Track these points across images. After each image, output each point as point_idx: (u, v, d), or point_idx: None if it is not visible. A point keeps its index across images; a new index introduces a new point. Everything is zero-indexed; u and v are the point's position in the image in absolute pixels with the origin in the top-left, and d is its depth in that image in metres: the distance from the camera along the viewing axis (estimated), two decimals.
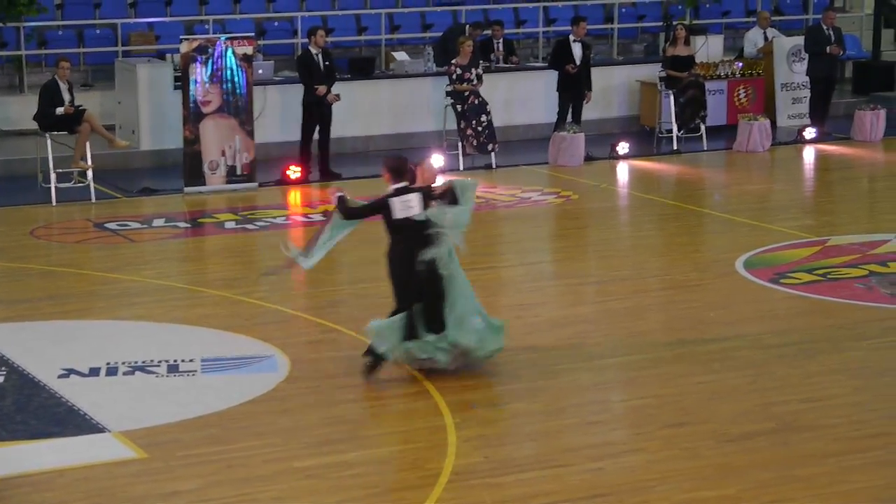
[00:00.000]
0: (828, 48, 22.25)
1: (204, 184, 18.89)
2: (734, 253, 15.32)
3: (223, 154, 18.98)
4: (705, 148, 21.66)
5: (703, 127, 21.73)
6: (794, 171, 21.05)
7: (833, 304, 13.49)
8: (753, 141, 21.37)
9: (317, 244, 11.74)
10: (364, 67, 22.06)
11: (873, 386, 11.30)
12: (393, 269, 11.46)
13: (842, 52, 22.87)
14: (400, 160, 11.59)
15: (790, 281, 14.27)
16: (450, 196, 11.42)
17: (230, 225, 17.19)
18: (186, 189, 18.83)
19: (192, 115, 18.79)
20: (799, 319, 13.18)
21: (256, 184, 19.10)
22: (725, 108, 22.90)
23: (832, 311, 13.29)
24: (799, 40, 23.14)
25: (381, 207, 11.41)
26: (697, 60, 22.41)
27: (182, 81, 18.90)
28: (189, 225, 17.22)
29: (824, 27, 22.56)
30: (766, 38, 23.85)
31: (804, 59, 22.80)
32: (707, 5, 25.58)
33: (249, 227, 17.07)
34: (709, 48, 23.62)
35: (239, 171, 19.06)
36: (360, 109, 21.55)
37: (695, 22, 24.47)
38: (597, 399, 11.16)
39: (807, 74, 22.73)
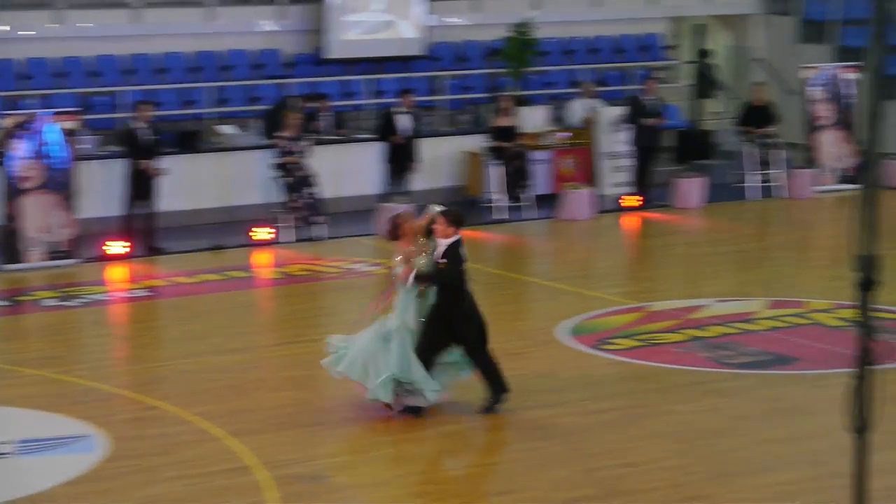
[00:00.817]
0: (648, 119, 22.71)
1: (23, 261, 18.55)
2: (558, 320, 15.46)
3: (44, 231, 18.68)
4: (531, 217, 21.89)
5: (528, 196, 21.98)
6: (617, 239, 21.37)
7: (654, 368, 13.68)
8: (578, 209, 21.66)
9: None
10: (190, 141, 21.94)
11: (693, 449, 11.45)
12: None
13: (663, 122, 23.35)
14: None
15: (612, 347, 14.45)
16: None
17: (49, 302, 16.88)
18: (5, 267, 18.47)
19: (11, 192, 18.48)
20: (621, 385, 13.34)
21: (77, 260, 18.81)
22: (551, 178, 23.20)
23: (653, 376, 13.46)
24: (622, 110, 23.58)
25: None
26: (523, 131, 22.71)
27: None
28: (7, 303, 16.88)
29: (645, 97, 23.03)
30: (589, 109, 24.26)
31: (627, 128, 23.23)
32: (533, 76, 25.96)
33: (69, 303, 16.79)
34: (534, 118, 23.95)
35: (60, 248, 18.77)
36: (186, 183, 21.39)
37: (521, 93, 24.81)
38: (421, 470, 11.14)
39: (629, 144, 23.15)
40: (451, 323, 12.00)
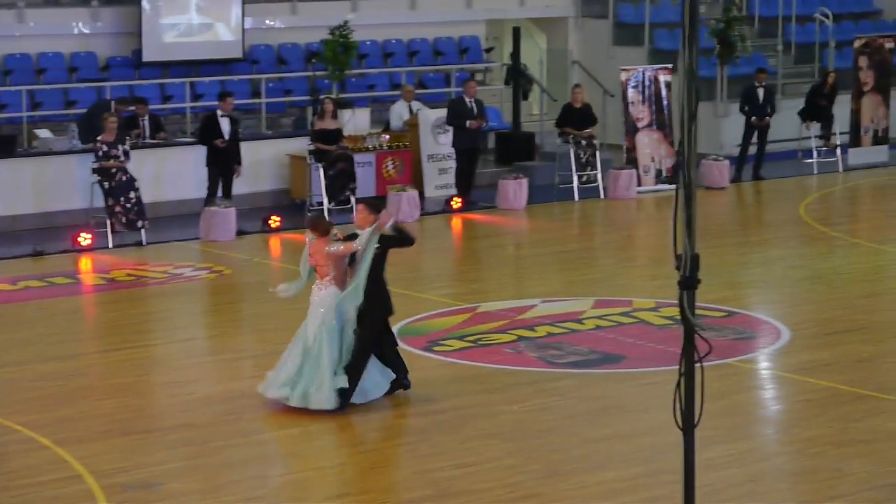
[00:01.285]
0: (468, 122, 22.85)
1: None
2: None
3: None
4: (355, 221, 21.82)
5: (353, 199, 21.95)
6: (443, 240, 21.46)
7: (485, 369, 13.76)
8: (402, 211, 21.68)
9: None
10: (5, 145, 21.44)
11: (525, 448, 11.55)
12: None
13: (484, 124, 23.52)
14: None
15: (442, 348, 14.50)
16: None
17: None
18: None
19: None
20: (452, 386, 13.39)
21: None
22: (375, 180, 23.21)
23: (484, 377, 13.55)
24: (442, 112, 23.68)
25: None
26: (345, 133, 22.68)
27: None
28: None
29: (466, 100, 23.18)
30: (411, 111, 24.33)
31: (448, 130, 23.34)
32: (353, 79, 25.93)
33: None
34: (356, 121, 23.93)
35: None
36: (2, 189, 20.93)
37: (342, 96, 24.77)
38: (255, 474, 11.05)
39: (451, 146, 23.26)
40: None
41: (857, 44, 27.06)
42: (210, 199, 21.12)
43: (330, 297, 12.40)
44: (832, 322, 15.61)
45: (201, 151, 21.60)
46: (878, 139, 26.96)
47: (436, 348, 14.51)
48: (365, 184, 22.80)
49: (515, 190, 22.82)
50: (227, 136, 21.39)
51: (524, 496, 10.49)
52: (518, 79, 25.98)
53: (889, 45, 27.17)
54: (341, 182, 22.01)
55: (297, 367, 12.36)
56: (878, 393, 12.98)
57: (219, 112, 21.56)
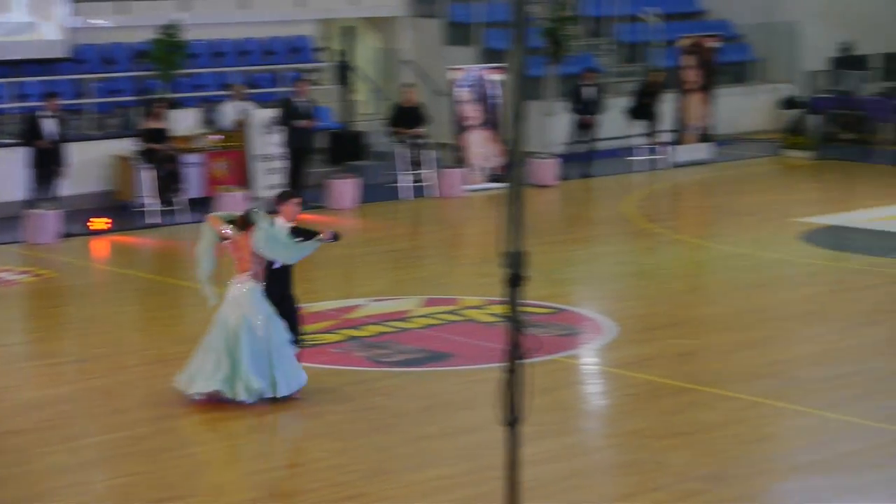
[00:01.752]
0: (300, 121, 22.77)
1: None
2: None
3: None
4: (184, 221, 21.65)
5: (180, 199, 21.73)
6: None
7: (312, 369, 13.71)
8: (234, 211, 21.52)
9: None
10: None
11: (351, 448, 11.56)
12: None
13: (314, 124, 23.46)
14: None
15: None
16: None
17: None
18: None
19: None
20: None
21: None
22: (203, 181, 23.00)
23: (312, 377, 13.47)
24: (273, 112, 23.56)
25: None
26: (174, 134, 22.45)
27: None
28: None
29: (297, 99, 23.09)
30: (241, 111, 24.16)
31: (279, 130, 23.23)
32: (182, 79, 25.67)
33: None
34: (185, 121, 23.70)
35: None
36: None
37: (170, 96, 24.50)
38: (77, 481, 10.89)
39: (282, 146, 23.16)
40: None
41: (682, 43, 27.53)
42: (33, 201, 20.74)
43: (253, 293, 12.45)
44: (655, 317, 15.88)
45: (25, 153, 21.21)
46: (703, 137, 27.47)
47: None
48: (193, 184, 22.59)
49: (346, 189, 22.81)
50: (50, 137, 21.03)
51: (351, 496, 10.50)
52: (346, 76, 25.93)
53: (713, 44, 27.68)
54: (169, 183, 21.79)
55: (219, 359, 12.34)
56: (698, 386, 13.23)
57: (42, 112, 21.18)
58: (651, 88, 26.99)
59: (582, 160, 25.65)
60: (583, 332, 15.40)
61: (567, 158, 25.56)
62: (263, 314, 12.51)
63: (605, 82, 28.54)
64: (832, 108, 29.25)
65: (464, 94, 24.87)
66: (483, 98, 25.01)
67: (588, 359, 14.51)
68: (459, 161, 24.53)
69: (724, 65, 30.72)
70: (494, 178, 24.52)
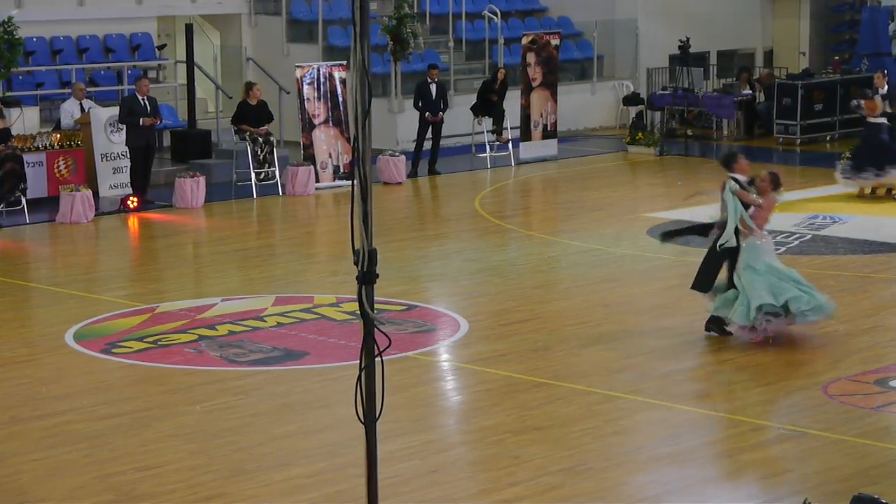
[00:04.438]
0: (141, 119, 22.47)
1: None
2: (63, 326, 15.09)
3: None
4: (27, 221, 21.23)
5: (23, 200, 21.31)
6: (120, 241, 21.03)
7: (165, 370, 13.56)
8: (76, 212, 21.17)
9: None
10: None
11: (208, 448, 11.43)
12: None
13: (158, 122, 23.17)
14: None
15: (121, 350, 14.22)
16: None
17: None
18: None
19: None
20: (132, 388, 13.17)
21: None
22: (46, 180, 22.56)
23: (165, 378, 13.35)
24: (115, 111, 23.21)
25: None
26: (14, 133, 21.98)
27: None
28: None
29: (139, 97, 22.78)
30: (82, 109, 23.76)
31: (122, 129, 22.90)
32: (20, 77, 25.17)
33: None
34: (24, 120, 23.22)
35: None
36: None
37: (8, 94, 24.00)
38: None
39: (125, 144, 22.83)
40: None
41: (524, 40, 27.73)
42: None
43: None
44: (508, 313, 15.96)
45: None
46: (548, 133, 27.69)
47: (115, 350, 14.22)
48: (36, 184, 22.17)
49: (192, 188, 22.55)
50: None
51: (209, 497, 10.39)
52: (189, 74, 25.64)
53: (555, 41, 27.93)
54: (11, 183, 21.33)
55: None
56: (552, 380, 13.34)
57: None
58: (495, 85, 27.14)
59: (428, 157, 25.69)
60: (437, 328, 15.42)
61: (414, 156, 25.58)
62: None
63: (449, 79, 28.64)
64: (672, 104, 29.72)
65: (309, 91, 24.75)
66: (328, 95, 24.91)
67: (443, 355, 14.54)
68: (306, 159, 24.41)
69: (567, 62, 31.06)
70: (342, 176, 24.45)
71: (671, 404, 12.68)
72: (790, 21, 34.38)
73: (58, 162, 22.80)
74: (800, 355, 14.27)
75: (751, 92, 30.30)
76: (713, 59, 33.08)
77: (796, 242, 19.53)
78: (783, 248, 19.00)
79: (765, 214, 14.65)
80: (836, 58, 31.95)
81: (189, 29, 25.78)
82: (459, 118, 27.24)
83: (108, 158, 23.36)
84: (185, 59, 26.02)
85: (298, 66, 25.09)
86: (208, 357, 14.03)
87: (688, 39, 31.48)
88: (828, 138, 29.05)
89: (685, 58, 31.41)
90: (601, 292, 17.02)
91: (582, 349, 14.52)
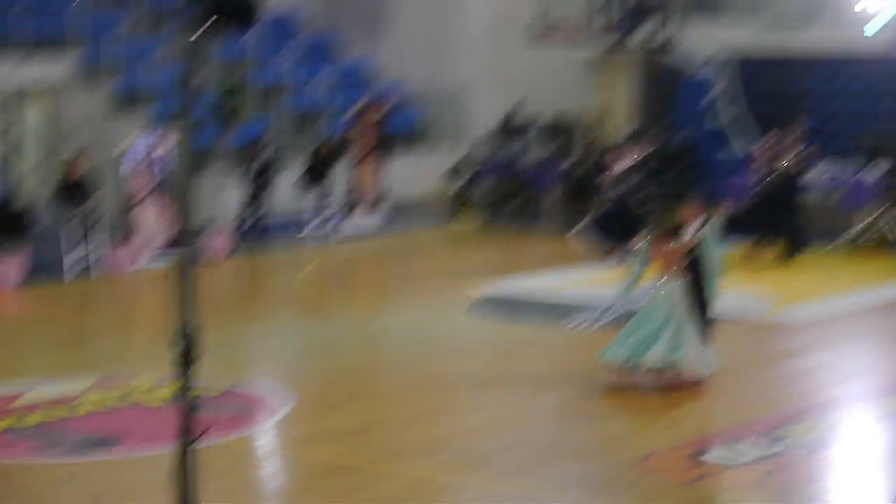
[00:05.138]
0: None
1: None
2: None
3: None
4: None
5: None
6: None
7: None
8: None
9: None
10: None
11: None
12: None
13: None
14: None
15: None
16: None
17: None
18: None
19: None
20: None
21: None
22: None
23: None
24: None
25: None
26: None
27: None
28: None
29: None
30: None
31: None
32: None
33: None
34: None
35: None
36: None
37: None
38: None
39: None
40: None
41: (353, 111, 27.76)
42: None
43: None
44: (331, 392, 15.86)
45: None
46: (376, 204, 27.72)
47: None
48: None
49: (9, 269, 22.03)
50: None
51: None
52: (8, 148, 25.18)
53: (384, 111, 28.02)
54: None
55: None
56: (374, 460, 13.25)
57: None
58: (322, 157, 27.13)
59: (255, 231, 25.53)
60: (257, 410, 15.23)
61: (240, 230, 25.40)
62: None
63: (276, 152, 28.55)
64: (499, 173, 29.95)
65: (133, 165, 24.44)
66: (153, 169, 24.64)
67: (263, 438, 14.36)
68: (130, 235, 24.07)
69: (395, 132, 31.18)
70: (166, 252, 24.14)
71: (490, 481, 12.67)
72: (614, 91, 34.89)
73: None
74: (616, 429, 14.40)
75: (575, 160, 30.63)
76: (540, 129, 33.45)
77: (621, 316, 19.71)
78: (607, 321, 19.19)
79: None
80: (657, 126, 32.49)
81: (10, 101, 25.32)
82: (286, 191, 27.13)
83: None
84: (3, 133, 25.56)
85: (123, 140, 24.78)
86: (17, 449, 13.64)
87: (514, 109, 31.93)
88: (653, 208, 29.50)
89: (512, 127, 31.82)
90: (425, 368, 17.00)
91: (405, 427, 14.47)
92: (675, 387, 15.44)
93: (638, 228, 22.46)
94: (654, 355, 15.46)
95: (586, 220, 23.87)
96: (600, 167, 24.29)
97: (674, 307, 15.70)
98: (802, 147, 23.93)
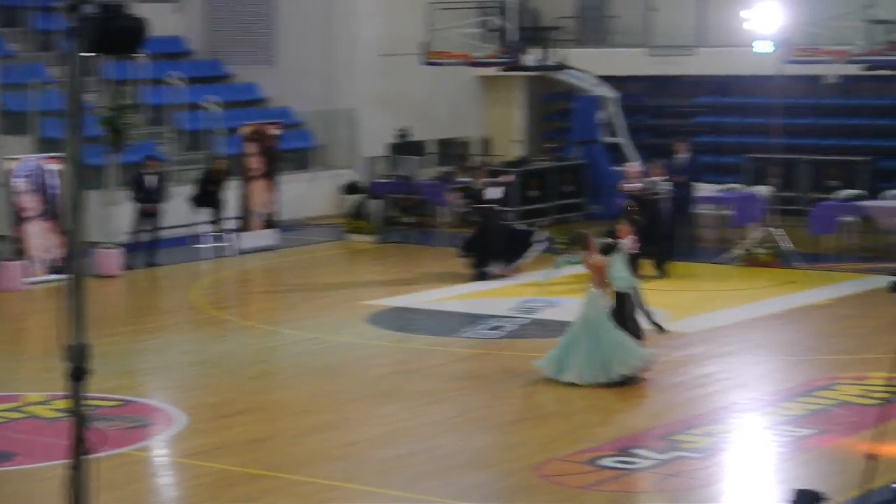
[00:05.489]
0: None
1: None
2: None
3: None
4: None
5: None
6: None
7: None
8: None
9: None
10: None
11: None
12: None
13: None
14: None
15: None
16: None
17: None
18: None
19: None
20: None
21: None
22: None
23: None
24: None
25: None
26: None
27: None
28: None
29: None
30: None
31: None
32: None
33: None
34: None
35: None
36: None
37: None
38: None
39: None
40: None
41: (244, 131, 27.65)
42: None
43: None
44: (225, 405, 15.75)
45: None
46: (268, 223, 27.61)
47: None
48: None
49: None
50: None
51: None
52: None
53: (275, 131, 27.93)
54: None
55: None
56: (271, 472, 13.19)
57: None
58: (214, 176, 26.99)
59: (146, 249, 25.30)
60: (152, 423, 15.10)
61: (131, 248, 25.15)
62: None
63: (167, 170, 28.34)
64: (392, 192, 29.99)
65: (21, 184, 24.14)
66: (41, 188, 24.34)
67: (158, 450, 14.24)
68: (18, 253, 23.74)
69: (287, 152, 31.09)
70: (56, 270, 23.84)
71: (389, 491, 12.66)
72: (505, 110, 35.19)
73: None
74: (514, 437, 14.45)
75: (468, 180, 30.78)
76: (432, 148, 33.58)
77: (512, 326, 19.83)
78: (500, 332, 19.30)
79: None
80: (550, 145, 32.78)
81: None
82: (178, 209, 26.95)
83: None
84: None
85: (10, 159, 24.46)
86: None
87: (407, 129, 32.01)
88: (545, 223, 29.69)
89: (404, 147, 31.89)
90: (321, 381, 16.97)
91: (300, 438, 14.42)
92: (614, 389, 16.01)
93: (504, 249, 22.86)
94: (588, 370, 16.12)
95: (462, 239, 24.10)
96: (474, 191, 24.45)
97: (599, 318, 16.22)
98: (664, 174, 24.02)
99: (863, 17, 27.56)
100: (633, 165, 25.01)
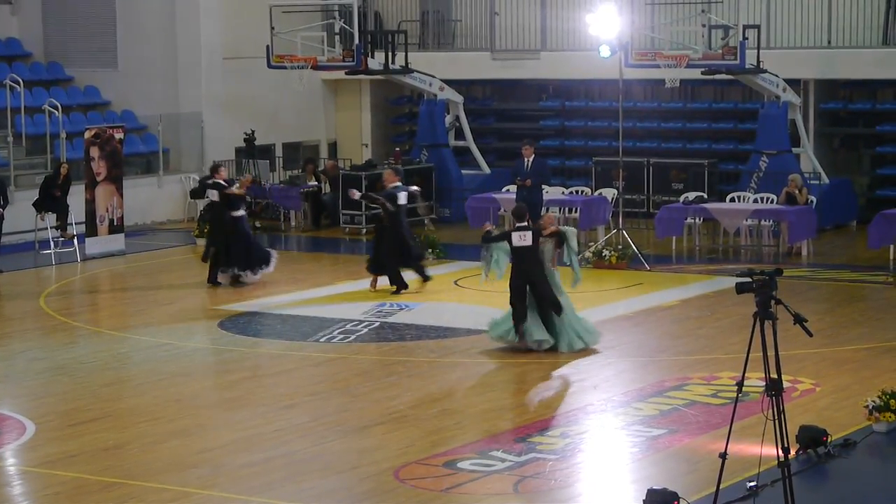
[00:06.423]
0: None
1: None
2: None
3: None
4: None
5: None
6: None
7: None
8: None
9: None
10: None
11: None
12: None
13: None
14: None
15: None
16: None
17: None
18: None
19: None
20: None
21: None
22: None
23: None
24: None
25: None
26: None
27: None
28: None
29: None
30: None
31: None
32: None
33: None
34: None
35: None
36: None
37: None
38: None
39: None
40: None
41: (87, 134, 27.25)
42: None
43: None
44: (77, 412, 15.52)
45: None
46: (114, 228, 27.22)
47: None
48: None
49: None
50: None
51: None
52: None
53: (119, 135, 27.57)
54: None
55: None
56: (124, 479, 13.02)
57: None
58: (58, 180, 26.56)
59: None
60: (1, 432, 14.80)
61: None
62: None
63: (9, 175, 27.83)
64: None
65: None
66: None
67: (8, 460, 13.96)
68: None
69: (132, 156, 30.74)
70: None
71: (246, 497, 12.58)
72: (352, 113, 35.16)
73: None
74: (370, 440, 14.45)
75: (317, 183, 30.73)
76: (279, 152, 33.43)
77: (365, 330, 19.83)
78: (353, 336, 19.28)
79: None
80: (398, 149, 32.82)
81: None
82: (21, 214, 26.47)
83: None
84: None
85: None
86: None
87: (253, 132, 31.85)
88: None
89: (251, 150, 31.70)
90: (174, 387, 16.79)
91: (155, 445, 14.26)
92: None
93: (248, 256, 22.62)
94: (535, 332, 18.05)
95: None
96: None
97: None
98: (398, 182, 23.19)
99: (701, 23, 28.09)
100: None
